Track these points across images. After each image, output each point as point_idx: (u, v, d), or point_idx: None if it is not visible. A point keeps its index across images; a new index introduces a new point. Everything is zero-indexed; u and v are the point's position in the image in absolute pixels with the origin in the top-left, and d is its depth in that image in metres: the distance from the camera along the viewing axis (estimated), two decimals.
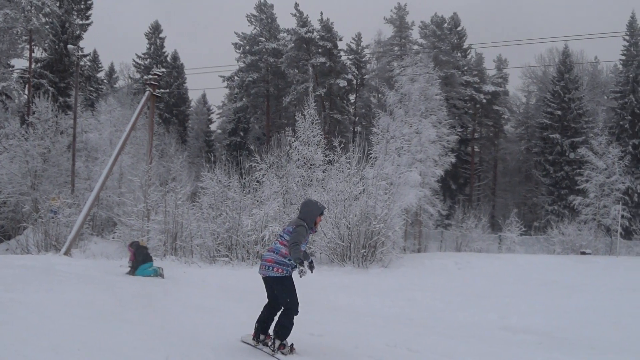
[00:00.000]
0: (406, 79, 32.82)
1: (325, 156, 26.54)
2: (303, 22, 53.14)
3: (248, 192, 23.82)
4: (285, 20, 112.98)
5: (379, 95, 55.92)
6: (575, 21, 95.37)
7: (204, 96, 67.38)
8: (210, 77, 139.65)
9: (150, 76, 26.80)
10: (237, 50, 56.66)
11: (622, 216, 34.46)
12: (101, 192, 26.34)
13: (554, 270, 20.16)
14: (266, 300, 7.74)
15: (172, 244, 23.39)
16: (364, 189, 22.09)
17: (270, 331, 7.60)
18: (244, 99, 56.24)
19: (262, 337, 7.61)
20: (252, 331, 7.69)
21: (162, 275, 15.80)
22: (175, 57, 60.44)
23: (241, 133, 57.33)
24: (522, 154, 60.03)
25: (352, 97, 59.71)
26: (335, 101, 54.87)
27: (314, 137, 26.73)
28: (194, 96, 75.46)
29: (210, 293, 13.21)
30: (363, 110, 60.21)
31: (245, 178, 24.15)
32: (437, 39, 54.25)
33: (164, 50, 60.27)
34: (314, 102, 28.51)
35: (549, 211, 49.19)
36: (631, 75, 50.12)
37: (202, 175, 24.92)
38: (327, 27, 52.73)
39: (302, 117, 27.17)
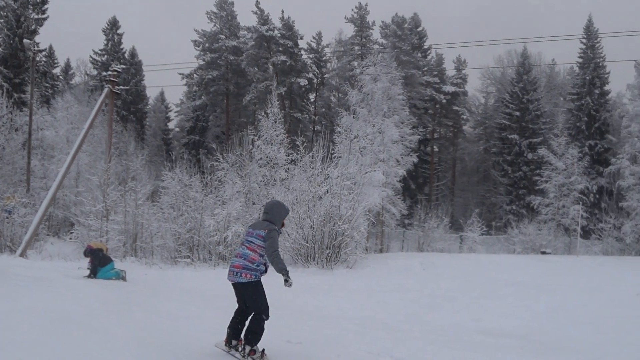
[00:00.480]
0: (369, 79, 32.68)
1: (288, 155, 26.28)
2: (264, 20, 52.80)
3: (210, 191, 23.39)
4: (246, 18, 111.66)
5: (340, 95, 55.98)
6: (534, 23, 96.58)
7: (162, 94, 66.85)
8: (169, 75, 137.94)
9: (109, 72, 26.19)
10: (197, 48, 56.01)
11: (581, 216, 34.96)
12: (58, 191, 25.60)
13: (519, 270, 20.24)
14: (236, 305, 7.52)
15: (132, 245, 22.86)
16: (328, 189, 21.82)
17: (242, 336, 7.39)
18: (203, 97, 55.62)
19: (234, 342, 7.40)
20: (224, 337, 7.47)
21: (124, 278, 15.35)
22: (133, 54, 59.42)
23: (200, 131, 56.86)
24: (480, 154, 60.64)
25: (312, 96, 59.51)
26: (296, 100, 54.62)
27: (277, 136, 26.43)
28: (152, 94, 74.36)
29: (175, 297, 12.84)
30: (323, 110, 60.06)
31: (207, 177, 23.71)
32: (398, 39, 54.40)
33: (121, 46, 59.22)
34: (277, 101, 28.23)
35: (507, 211, 49.89)
36: (587, 78, 51.23)
37: (162, 174, 24.33)
38: (288, 26, 52.50)
39: (265, 115, 26.86)
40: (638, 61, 57.88)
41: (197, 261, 21.27)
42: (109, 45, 58.62)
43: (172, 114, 67.41)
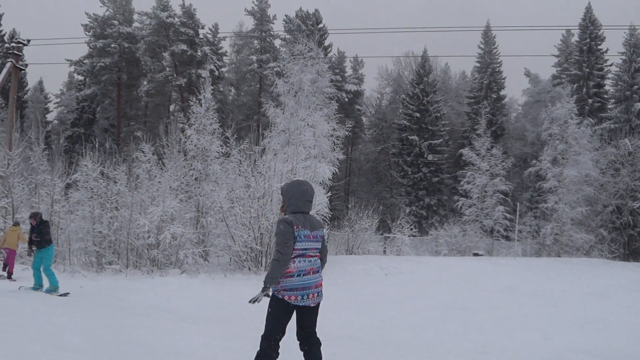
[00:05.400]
0: (297, 69, 30.25)
1: (221, 147, 23.50)
2: (163, 6, 48.88)
3: (135, 186, 20.18)
4: (141, 3, 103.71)
5: (234, 90, 53.28)
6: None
7: (40, 83, 61.20)
8: (51, 63, 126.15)
9: (13, 44, 22.19)
10: (87, 33, 51.08)
11: (505, 217, 34.26)
12: None
13: (487, 274, 18.75)
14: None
15: None
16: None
17: None
18: (93, 87, 50.73)
19: None
20: None
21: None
22: (13, 36, 53.42)
23: (85, 124, 52.14)
24: (375, 155, 59.86)
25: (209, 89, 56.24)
26: (196, 93, 51.13)
27: (210, 125, 23.48)
28: (30, 82, 68.00)
29: (165, 323, 9.99)
30: (219, 104, 57.09)
31: (134, 170, 20.49)
32: (302, 34, 52.41)
33: (0, 28, 53.19)
34: (211, 87, 25.30)
35: (407, 212, 49.08)
36: (485, 82, 51.97)
37: (81, 165, 20.47)
38: (189, 13, 49.01)
39: (197, 102, 23.94)
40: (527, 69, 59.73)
41: (128, 268, 18.13)
42: None
43: (51, 105, 62.03)
